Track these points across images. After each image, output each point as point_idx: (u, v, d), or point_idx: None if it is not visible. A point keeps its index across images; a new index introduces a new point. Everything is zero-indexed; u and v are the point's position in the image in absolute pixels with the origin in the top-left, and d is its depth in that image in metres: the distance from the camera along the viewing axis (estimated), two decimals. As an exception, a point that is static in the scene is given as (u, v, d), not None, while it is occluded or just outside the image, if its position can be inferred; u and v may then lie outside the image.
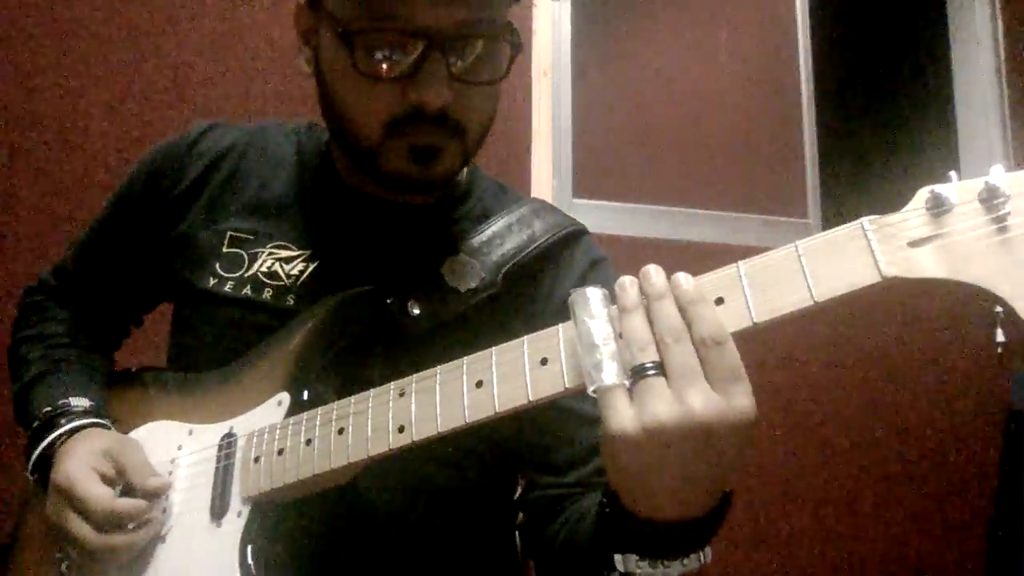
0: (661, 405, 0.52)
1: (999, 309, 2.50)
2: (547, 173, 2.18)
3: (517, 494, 0.94)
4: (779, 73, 2.57)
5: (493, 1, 0.76)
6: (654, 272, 0.57)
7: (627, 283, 0.57)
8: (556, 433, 0.84)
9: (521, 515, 0.97)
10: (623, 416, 0.53)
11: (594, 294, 0.58)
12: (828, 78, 2.73)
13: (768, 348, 2.27)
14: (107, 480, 0.81)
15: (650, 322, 0.55)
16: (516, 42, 0.79)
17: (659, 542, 0.59)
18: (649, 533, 0.59)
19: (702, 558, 0.60)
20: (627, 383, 0.54)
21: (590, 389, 0.56)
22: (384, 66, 0.76)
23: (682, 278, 0.56)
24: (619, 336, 0.57)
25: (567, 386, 0.60)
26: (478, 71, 0.78)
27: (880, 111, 3.12)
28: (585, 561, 0.69)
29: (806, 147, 2.52)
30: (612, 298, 0.59)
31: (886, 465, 2.38)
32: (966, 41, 2.76)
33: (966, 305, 2.47)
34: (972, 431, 2.47)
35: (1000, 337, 2.49)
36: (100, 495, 0.79)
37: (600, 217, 2.23)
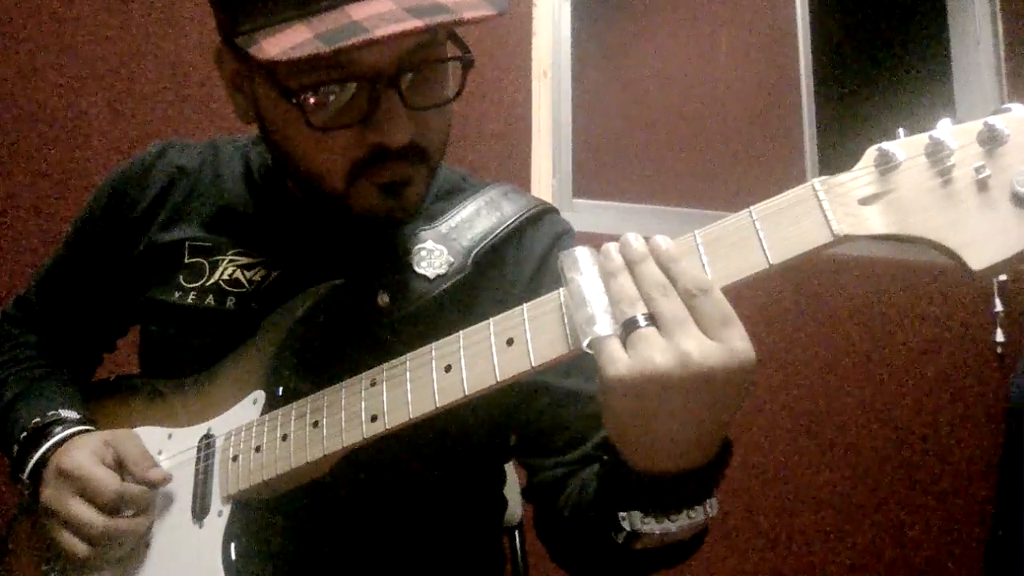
0: (657, 352, 0.53)
1: (999, 309, 2.50)
2: (547, 173, 2.18)
3: (523, 486, 0.93)
4: (779, 73, 2.56)
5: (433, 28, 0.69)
6: (633, 238, 0.59)
7: (610, 249, 0.59)
8: (551, 417, 0.84)
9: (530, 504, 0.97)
10: (620, 364, 0.54)
11: (582, 253, 0.60)
12: (828, 78, 2.73)
13: (768, 348, 2.28)
14: (108, 467, 0.82)
15: (636, 283, 0.57)
16: (466, 57, 0.76)
17: (661, 495, 0.59)
18: (650, 486, 0.59)
19: (708, 509, 0.60)
20: (620, 334, 0.56)
21: (584, 343, 0.57)
22: (339, 115, 0.73)
23: (660, 240, 0.58)
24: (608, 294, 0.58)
25: (533, 364, 0.62)
26: (432, 94, 0.76)
27: (881, 112, 3.12)
28: (592, 526, 0.68)
29: (806, 147, 2.52)
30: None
31: (886, 465, 2.38)
32: (966, 42, 2.76)
33: (966, 305, 2.47)
34: (972, 430, 2.47)
35: (1000, 337, 2.49)
36: (109, 477, 0.80)
37: (600, 217, 2.23)
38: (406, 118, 0.72)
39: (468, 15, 0.67)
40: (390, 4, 0.67)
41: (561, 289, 0.62)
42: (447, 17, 0.66)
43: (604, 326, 0.56)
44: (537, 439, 0.85)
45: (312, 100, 0.72)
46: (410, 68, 0.73)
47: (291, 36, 0.67)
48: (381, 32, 0.64)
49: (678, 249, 0.57)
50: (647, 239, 0.59)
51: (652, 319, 0.55)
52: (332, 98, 0.72)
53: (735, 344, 0.54)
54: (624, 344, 0.55)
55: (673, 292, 0.55)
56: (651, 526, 0.60)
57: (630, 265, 0.58)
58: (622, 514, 0.61)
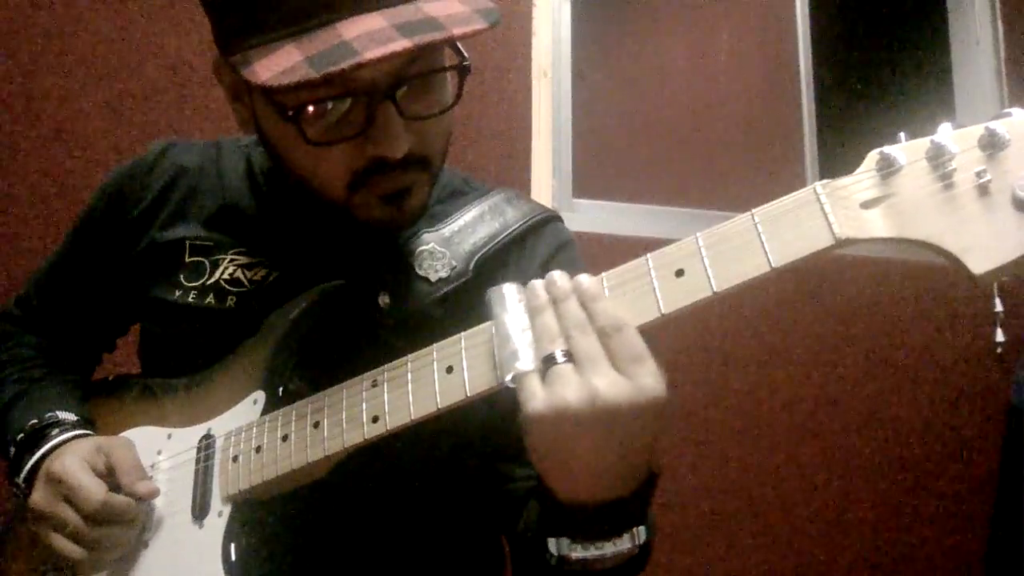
0: (569, 388, 0.56)
1: (999, 309, 2.50)
2: (547, 173, 2.18)
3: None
4: (779, 73, 2.57)
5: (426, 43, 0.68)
6: (558, 276, 0.62)
7: (536, 287, 0.62)
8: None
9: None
10: (537, 399, 0.57)
11: (509, 290, 0.63)
12: (828, 78, 2.73)
13: (768, 348, 2.28)
14: (98, 475, 0.82)
15: (558, 320, 0.60)
16: (463, 66, 0.75)
17: (583, 524, 0.62)
18: (574, 514, 0.62)
19: (635, 538, 0.63)
20: (540, 370, 0.59)
21: (507, 377, 0.60)
22: (336, 130, 0.72)
23: (584, 279, 0.61)
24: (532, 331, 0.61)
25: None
26: (430, 103, 0.75)
27: (881, 112, 3.12)
28: (530, 549, 0.70)
29: (806, 147, 2.52)
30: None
31: (886, 465, 2.38)
32: (966, 42, 2.76)
33: (966, 305, 2.47)
34: (972, 430, 2.47)
35: (1000, 337, 2.49)
36: (94, 486, 0.80)
37: (600, 217, 2.23)
38: (403, 129, 0.72)
39: (458, 31, 0.66)
40: (381, 21, 0.67)
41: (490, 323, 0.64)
42: (437, 35, 0.66)
43: (526, 361, 0.59)
44: (517, 445, 0.85)
45: (308, 116, 0.71)
46: (406, 79, 0.72)
47: (282, 58, 0.67)
48: (370, 55, 0.64)
49: (598, 287, 0.60)
50: (572, 277, 0.61)
51: (570, 356, 0.58)
52: (329, 107, 0.72)
53: (644, 381, 0.56)
54: (544, 379, 0.58)
55: (590, 330, 0.58)
56: (578, 553, 0.62)
57: (554, 302, 0.60)
58: (551, 539, 0.64)
